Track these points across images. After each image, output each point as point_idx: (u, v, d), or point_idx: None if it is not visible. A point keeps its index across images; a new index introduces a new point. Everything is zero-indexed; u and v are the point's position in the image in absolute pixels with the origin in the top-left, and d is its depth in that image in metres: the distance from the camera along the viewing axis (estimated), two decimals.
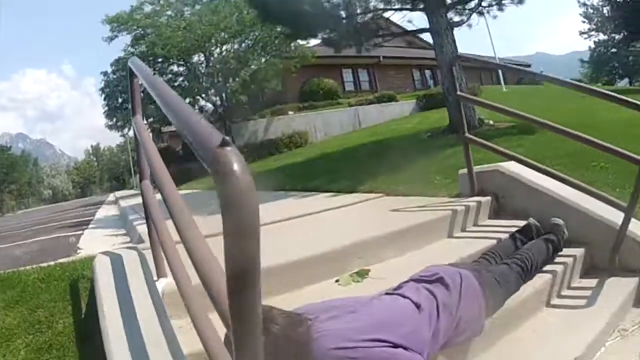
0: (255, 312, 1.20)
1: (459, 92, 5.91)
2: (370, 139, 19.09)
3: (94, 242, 7.29)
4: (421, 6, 13.18)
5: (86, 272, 4.27)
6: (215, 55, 33.10)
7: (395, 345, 2.50)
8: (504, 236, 4.62)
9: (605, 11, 47.23)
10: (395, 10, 14.40)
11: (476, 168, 5.80)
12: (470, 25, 15.26)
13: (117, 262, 3.77)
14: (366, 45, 15.41)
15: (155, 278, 3.52)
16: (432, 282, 2.99)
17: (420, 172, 7.30)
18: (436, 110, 22.08)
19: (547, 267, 4.21)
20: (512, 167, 5.55)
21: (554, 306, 4.06)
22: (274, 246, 4.16)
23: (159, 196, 2.85)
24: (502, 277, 3.45)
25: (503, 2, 13.75)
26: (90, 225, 11.08)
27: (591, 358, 3.41)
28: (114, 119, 35.74)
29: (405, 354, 2.49)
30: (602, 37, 51.63)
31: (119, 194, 33.52)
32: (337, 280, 3.77)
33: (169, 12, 33.08)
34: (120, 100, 34.53)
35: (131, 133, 37.91)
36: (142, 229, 4.91)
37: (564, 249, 4.53)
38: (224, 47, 33.25)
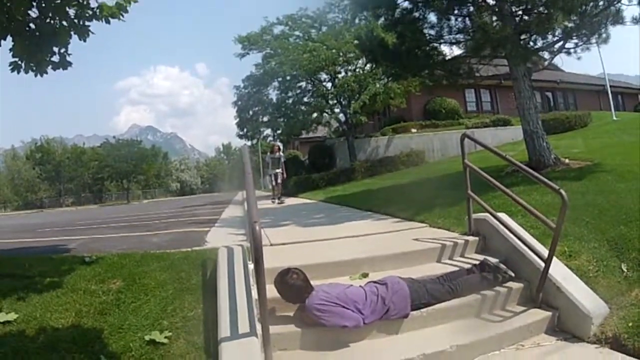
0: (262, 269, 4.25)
1: (465, 161, 7.75)
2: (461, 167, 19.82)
3: (218, 238, 9.58)
4: (503, 54, 14.14)
5: (212, 256, 6.94)
6: (339, 77, 34.56)
7: (345, 307, 5.25)
8: (470, 267, 6.57)
9: None
10: (479, 57, 15.48)
11: (474, 215, 7.82)
12: (554, 64, 16.51)
13: (231, 252, 6.59)
14: (461, 82, 17.25)
15: (249, 262, 6.18)
16: (381, 283, 5.73)
17: (464, 209, 8.21)
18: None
19: (485, 292, 6.11)
20: (496, 217, 7.33)
21: (481, 317, 5.92)
22: (330, 252, 7.39)
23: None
24: (433, 290, 5.89)
25: (590, 41, 14.27)
26: (216, 224, 13.24)
27: (480, 353, 5.27)
28: (245, 130, 37.70)
29: (349, 312, 5.28)
30: None
31: None
32: (350, 277, 6.43)
33: (297, 33, 34.98)
34: (250, 113, 36.83)
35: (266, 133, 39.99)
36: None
37: (509, 282, 6.34)
38: (348, 68, 34.66)
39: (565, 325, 5.86)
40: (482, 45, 13.90)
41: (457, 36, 15.56)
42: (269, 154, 24.40)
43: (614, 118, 33.84)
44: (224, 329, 4.92)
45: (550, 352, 5.40)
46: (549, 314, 5.96)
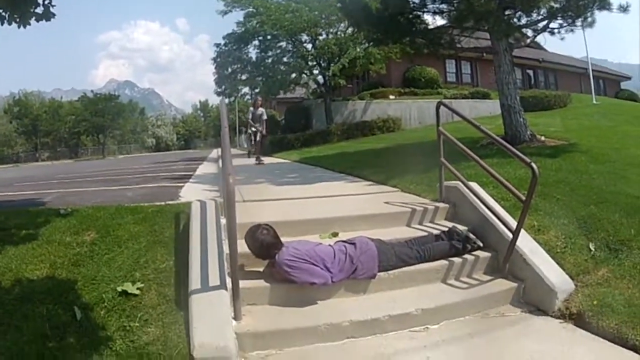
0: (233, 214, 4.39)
1: (439, 128, 7.98)
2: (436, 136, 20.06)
3: (192, 193, 9.75)
4: (485, 27, 14.16)
5: (185, 210, 7.04)
6: (320, 39, 34.63)
7: (314, 264, 5.36)
8: (439, 233, 6.69)
9: None
10: (462, 29, 15.38)
11: (445, 183, 7.95)
12: (537, 42, 16.55)
13: (204, 206, 6.66)
14: (442, 52, 17.30)
15: (222, 216, 6.39)
16: (350, 243, 5.86)
17: (436, 176, 8.30)
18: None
19: (453, 259, 6.23)
20: (467, 186, 7.44)
21: (447, 283, 6.05)
22: (302, 211, 7.49)
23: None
24: (401, 253, 6.00)
25: (575, 23, 14.24)
26: (190, 180, 13.48)
27: (445, 318, 5.42)
28: (223, 87, 37.53)
29: (318, 269, 5.38)
30: None
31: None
32: (320, 235, 6.54)
33: None
34: (229, 70, 36.68)
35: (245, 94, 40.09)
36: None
37: (478, 251, 6.47)
38: (330, 30, 34.74)
39: (531, 298, 5.95)
40: (465, 16, 13.90)
41: (441, 6, 15.60)
42: (251, 108, 22.62)
43: (594, 102, 33.88)
44: (195, 282, 5.04)
45: (514, 322, 5.53)
46: (515, 285, 6.04)
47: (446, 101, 9.91)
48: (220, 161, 14.47)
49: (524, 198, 5.90)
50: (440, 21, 16.80)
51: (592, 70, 38.59)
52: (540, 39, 15.55)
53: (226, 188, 4.69)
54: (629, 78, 64.55)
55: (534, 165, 5.70)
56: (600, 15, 13.80)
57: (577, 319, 5.47)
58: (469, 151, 7.24)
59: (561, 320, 5.53)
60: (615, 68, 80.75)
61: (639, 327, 5.02)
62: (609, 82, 58.29)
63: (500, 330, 5.34)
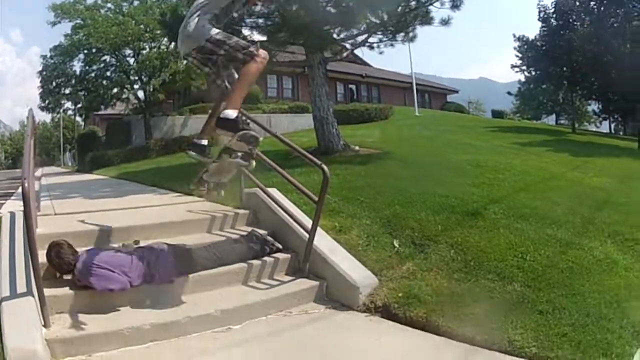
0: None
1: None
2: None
3: (13, 209, 9.66)
4: (301, 42, 15.16)
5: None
6: (144, 52, 35.31)
7: (111, 270, 5.66)
8: (237, 237, 7.18)
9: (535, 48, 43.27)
10: (278, 43, 15.96)
11: (246, 190, 8.56)
12: (359, 56, 17.31)
13: (13, 217, 6.79)
14: None
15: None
16: (148, 249, 6.22)
17: (245, 186, 8.76)
18: (342, 126, 18.57)
19: (252, 262, 6.68)
20: (265, 192, 8.11)
21: (248, 285, 6.50)
22: (107, 221, 7.51)
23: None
24: (198, 257, 6.38)
25: (396, 38, 15.66)
26: (12, 197, 13.58)
27: (247, 318, 5.81)
28: (47, 102, 37.27)
29: (115, 275, 5.67)
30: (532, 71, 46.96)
31: (47, 170, 36.32)
32: (123, 244, 6.65)
33: (109, 5, 35.30)
34: (54, 83, 36.53)
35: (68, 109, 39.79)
36: (44, 203, 8.69)
37: (278, 253, 7.01)
38: (152, 45, 35.50)
39: (334, 295, 6.46)
40: (279, 30, 14.79)
41: (258, 20, 16.18)
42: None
43: (417, 114, 36.86)
44: (4, 289, 5.22)
45: (317, 318, 6.00)
46: (317, 283, 6.55)
47: (265, 116, 10.39)
48: (42, 179, 14.41)
49: (316, 199, 6.53)
50: (257, 36, 17.29)
51: (418, 84, 41.33)
52: (367, 54, 16.44)
53: (22, 191, 4.90)
54: (456, 91, 69.59)
55: (324, 167, 6.38)
56: (434, 33, 14.80)
57: (384, 312, 5.98)
58: (264, 157, 7.75)
59: (367, 314, 6.03)
60: (447, 83, 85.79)
61: (449, 314, 5.57)
62: (435, 95, 62.89)
63: (304, 326, 5.77)
